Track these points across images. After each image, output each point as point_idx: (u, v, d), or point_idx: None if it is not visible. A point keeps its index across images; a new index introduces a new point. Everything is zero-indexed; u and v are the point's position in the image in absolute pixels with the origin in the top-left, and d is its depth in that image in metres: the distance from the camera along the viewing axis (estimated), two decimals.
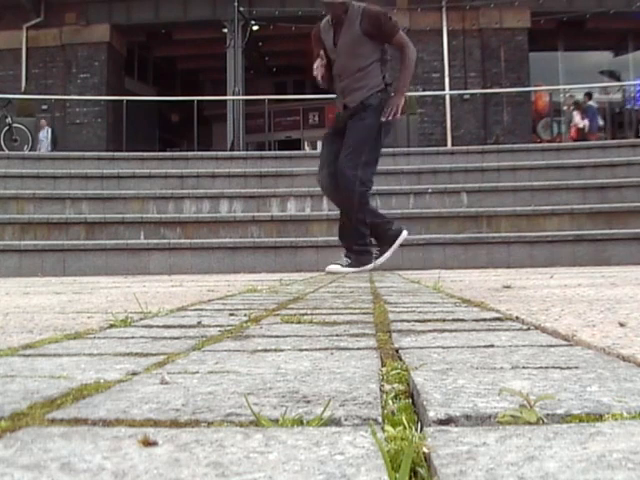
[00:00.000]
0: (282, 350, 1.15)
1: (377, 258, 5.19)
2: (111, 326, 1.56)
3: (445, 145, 13.68)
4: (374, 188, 7.66)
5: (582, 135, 12.76)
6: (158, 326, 1.55)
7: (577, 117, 13.48)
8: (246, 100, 15.70)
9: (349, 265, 5.03)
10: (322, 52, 5.15)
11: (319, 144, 17.76)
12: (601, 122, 13.23)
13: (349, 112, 5.02)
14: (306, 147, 18.12)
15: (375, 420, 0.65)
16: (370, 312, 1.84)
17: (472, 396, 0.73)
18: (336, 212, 7.28)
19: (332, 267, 5.04)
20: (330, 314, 1.78)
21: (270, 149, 15.04)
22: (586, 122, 13.23)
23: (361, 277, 4.29)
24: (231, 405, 0.72)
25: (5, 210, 7.35)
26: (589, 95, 13.65)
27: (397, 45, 5.03)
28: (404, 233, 5.29)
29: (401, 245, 5.92)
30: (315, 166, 8.97)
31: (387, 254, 5.22)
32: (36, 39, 15.35)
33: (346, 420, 0.65)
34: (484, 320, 1.56)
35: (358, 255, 5.07)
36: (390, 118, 4.98)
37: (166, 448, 0.55)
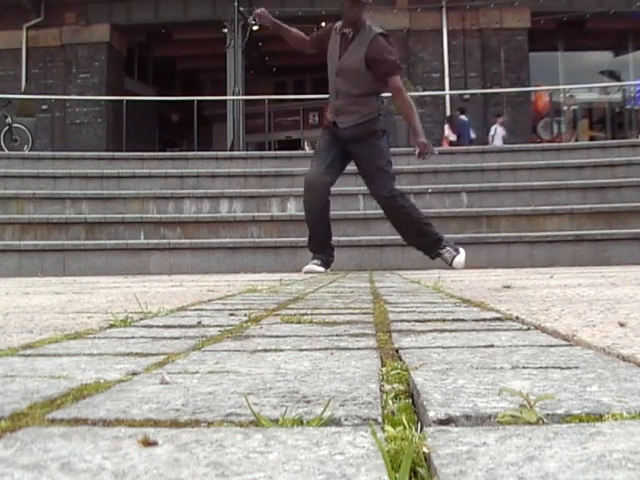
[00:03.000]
0: (282, 350, 1.15)
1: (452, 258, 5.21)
2: (111, 326, 1.56)
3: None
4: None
5: (453, 145, 13.19)
6: (158, 326, 1.55)
7: (447, 130, 13.95)
8: (246, 100, 15.69)
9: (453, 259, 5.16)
10: (317, 37, 5.18)
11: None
12: (473, 135, 13.67)
13: (349, 133, 5.02)
14: (306, 147, 18.10)
15: (375, 420, 0.65)
16: (370, 312, 1.84)
17: (472, 396, 0.73)
18: (337, 212, 7.29)
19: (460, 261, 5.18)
20: (330, 314, 1.78)
21: (270, 149, 15.04)
22: (454, 137, 13.68)
23: (361, 277, 4.29)
24: (231, 405, 0.72)
25: (5, 210, 7.35)
26: (461, 110, 14.01)
27: (392, 87, 5.00)
28: (462, 252, 5.31)
29: (402, 245, 5.92)
30: None
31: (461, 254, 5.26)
32: (36, 39, 15.35)
33: (346, 420, 0.65)
34: (484, 320, 1.56)
35: (439, 246, 5.19)
36: (427, 157, 5.12)
37: (166, 448, 0.55)
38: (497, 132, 13.68)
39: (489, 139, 13.68)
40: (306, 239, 5.92)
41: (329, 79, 5.15)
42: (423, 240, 5.25)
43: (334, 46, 5.05)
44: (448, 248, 5.22)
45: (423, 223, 5.21)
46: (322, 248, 5.24)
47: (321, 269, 5.08)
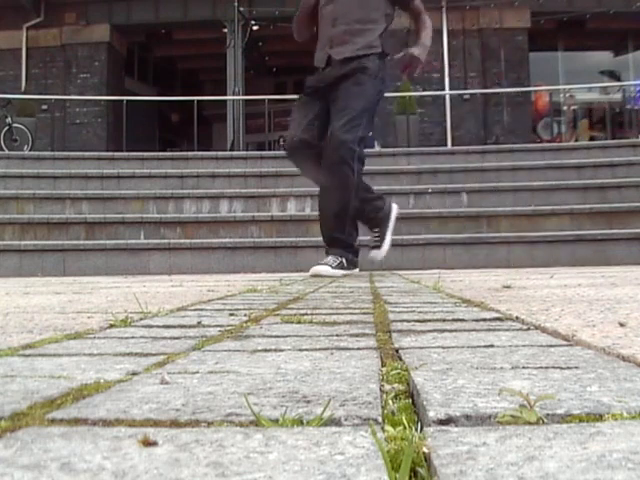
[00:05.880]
0: (282, 350, 1.15)
1: (377, 246, 4.53)
2: (111, 326, 1.56)
3: (445, 145, 13.68)
4: (374, 187, 7.66)
5: None
6: (158, 326, 1.55)
7: None
8: (246, 100, 15.69)
9: (339, 265, 4.27)
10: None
11: None
12: (377, 147, 13.75)
13: (337, 71, 4.25)
14: None
15: (375, 420, 0.65)
16: (370, 312, 1.84)
17: (472, 396, 0.73)
18: None
19: (319, 268, 4.23)
20: (330, 314, 1.78)
21: (270, 149, 15.03)
22: None
23: (361, 277, 4.28)
24: (231, 405, 0.72)
25: (5, 210, 7.35)
26: None
27: (415, 10, 4.40)
28: (394, 207, 4.62)
29: (402, 245, 5.92)
30: None
31: (388, 238, 4.53)
32: (36, 39, 15.34)
33: (346, 420, 0.65)
34: (484, 320, 1.56)
35: (343, 251, 4.32)
36: (414, 74, 4.40)
37: (166, 448, 0.55)
38: None
39: None
40: (306, 239, 5.89)
41: (320, 18, 4.43)
42: (333, 228, 4.33)
43: None
44: (345, 262, 4.32)
45: (349, 215, 4.29)
46: (335, 239, 4.32)
47: (331, 271, 4.19)
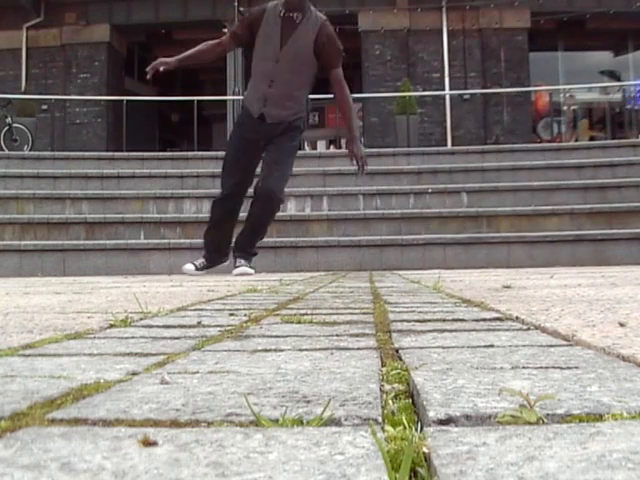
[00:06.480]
0: (282, 350, 1.15)
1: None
2: (111, 326, 1.56)
3: (445, 145, 13.67)
4: (374, 187, 7.69)
5: None
6: (158, 326, 1.55)
7: None
8: None
9: (204, 266, 5.06)
10: (243, 27, 4.77)
11: (319, 144, 17.67)
12: None
13: (273, 129, 4.70)
14: (306, 147, 18.10)
15: (375, 420, 0.65)
16: (370, 312, 1.84)
17: (472, 396, 0.73)
18: (337, 212, 7.28)
19: (187, 267, 5.04)
20: (330, 314, 1.78)
21: None
22: None
23: (361, 277, 4.29)
24: (231, 405, 0.72)
25: (5, 210, 7.35)
26: None
27: (336, 79, 4.68)
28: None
29: (402, 245, 5.93)
30: (314, 166, 8.95)
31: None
32: (36, 39, 15.34)
33: (346, 420, 0.65)
34: (484, 320, 1.56)
35: (251, 256, 5.06)
36: (362, 171, 4.81)
37: (166, 448, 0.55)
38: None
39: None
40: (306, 239, 5.91)
41: (257, 64, 4.76)
42: (251, 244, 5.09)
43: (272, 29, 4.64)
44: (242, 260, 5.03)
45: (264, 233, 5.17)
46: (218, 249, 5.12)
47: (197, 272, 5.00)
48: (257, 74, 4.79)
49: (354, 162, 4.82)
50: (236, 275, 4.82)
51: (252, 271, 4.93)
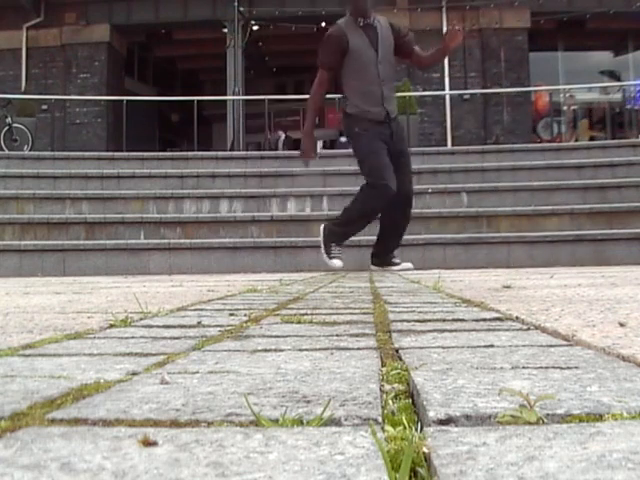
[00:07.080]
0: (282, 350, 1.15)
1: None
2: (111, 326, 1.56)
3: (445, 145, 13.67)
4: None
5: None
6: (158, 326, 1.55)
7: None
8: (246, 100, 15.68)
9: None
10: (336, 56, 4.99)
11: (319, 144, 17.65)
12: None
13: (393, 127, 5.06)
14: None
15: (375, 420, 0.65)
16: (370, 312, 1.84)
17: (472, 396, 0.73)
18: (337, 212, 7.28)
19: (336, 263, 5.18)
20: (330, 314, 1.78)
21: (270, 149, 15.03)
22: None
23: (361, 277, 4.29)
24: (231, 405, 0.72)
25: (5, 210, 7.35)
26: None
27: (419, 52, 5.19)
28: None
29: (402, 245, 5.93)
30: (315, 166, 8.94)
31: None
32: (36, 39, 15.34)
33: (346, 420, 0.65)
34: (484, 320, 1.56)
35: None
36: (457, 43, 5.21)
37: (166, 448, 0.55)
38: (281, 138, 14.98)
39: (279, 144, 14.96)
40: (306, 239, 5.90)
41: (359, 75, 5.01)
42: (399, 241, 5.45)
43: (362, 40, 4.99)
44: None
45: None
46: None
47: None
48: (363, 82, 5.04)
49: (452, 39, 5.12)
50: (401, 270, 5.26)
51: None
